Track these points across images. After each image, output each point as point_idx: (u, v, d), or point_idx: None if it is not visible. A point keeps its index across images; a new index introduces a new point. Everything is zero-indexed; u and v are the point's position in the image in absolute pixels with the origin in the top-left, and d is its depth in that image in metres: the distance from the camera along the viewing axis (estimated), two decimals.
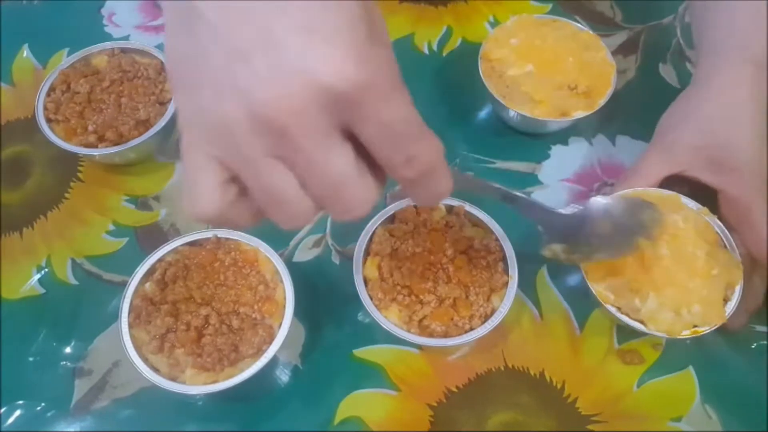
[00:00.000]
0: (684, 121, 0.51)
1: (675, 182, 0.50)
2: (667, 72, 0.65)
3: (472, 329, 0.45)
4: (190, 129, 0.29)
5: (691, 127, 0.50)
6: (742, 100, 0.49)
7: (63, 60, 0.59)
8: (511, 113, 0.56)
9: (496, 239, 0.49)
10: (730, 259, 0.46)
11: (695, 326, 0.44)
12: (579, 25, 0.61)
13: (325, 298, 0.51)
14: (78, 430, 0.46)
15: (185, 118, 0.29)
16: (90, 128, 0.54)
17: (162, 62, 0.59)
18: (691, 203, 0.49)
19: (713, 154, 0.49)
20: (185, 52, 0.28)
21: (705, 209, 0.49)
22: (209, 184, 0.28)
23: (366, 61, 0.26)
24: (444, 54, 0.65)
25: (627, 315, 0.45)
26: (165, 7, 0.29)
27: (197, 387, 0.43)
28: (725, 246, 0.47)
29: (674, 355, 0.49)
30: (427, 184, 0.30)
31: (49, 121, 0.55)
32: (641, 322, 0.45)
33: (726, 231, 0.48)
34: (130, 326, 0.45)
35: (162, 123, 0.55)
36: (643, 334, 0.44)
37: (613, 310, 0.45)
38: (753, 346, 0.49)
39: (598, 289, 0.46)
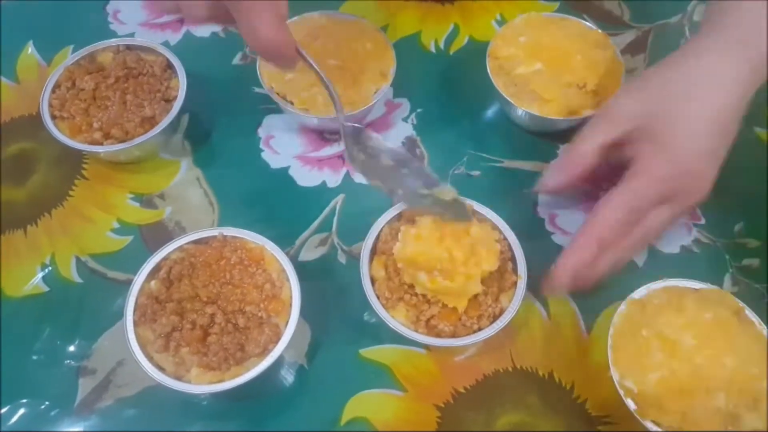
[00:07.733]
0: (632, 88, 0.49)
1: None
2: None
3: (480, 329, 0.45)
4: None
5: (634, 94, 0.48)
6: (708, 85, 0.46)
7: (68, 57, 0.59)
8: (520, 112, 0.56)
9: (505, 239, 0.48)
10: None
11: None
12: (587, 23, 0.60)
13: (331, 297, 0.51)
14: (82, 429, 0.46)
15: None
16: (95, 125, 0.54)
17: (167, 59, 0.58)
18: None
19: (649, 124, 0.46)
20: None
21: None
22: None
23: None
24: (451, 52, 0.65)
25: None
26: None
27: (202, 386, 0.42)
28: None
29: None
30: None
31: (53, 118, 0.55)
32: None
33: None
34: (135, 325, 0.44)
35: (167, 120, 0.54)
36: None
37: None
38: None
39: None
